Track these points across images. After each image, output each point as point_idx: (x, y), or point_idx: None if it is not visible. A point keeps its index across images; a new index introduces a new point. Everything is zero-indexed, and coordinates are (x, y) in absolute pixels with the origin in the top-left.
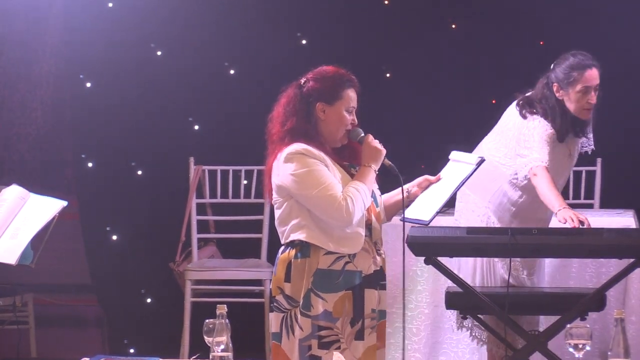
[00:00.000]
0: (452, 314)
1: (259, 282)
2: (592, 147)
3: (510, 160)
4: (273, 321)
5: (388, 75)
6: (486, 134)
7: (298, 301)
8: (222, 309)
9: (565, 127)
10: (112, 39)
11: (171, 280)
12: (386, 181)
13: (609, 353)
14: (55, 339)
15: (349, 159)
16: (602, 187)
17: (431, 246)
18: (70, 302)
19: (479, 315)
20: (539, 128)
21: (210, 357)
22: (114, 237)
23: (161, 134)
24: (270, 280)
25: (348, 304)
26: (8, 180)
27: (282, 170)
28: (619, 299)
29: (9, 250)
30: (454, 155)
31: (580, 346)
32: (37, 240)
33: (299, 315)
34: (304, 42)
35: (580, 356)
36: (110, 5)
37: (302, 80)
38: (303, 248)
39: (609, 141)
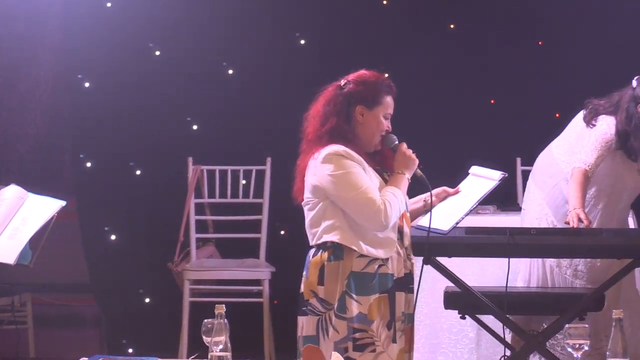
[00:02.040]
0: (451, 314)
1: (257, 282)
2: None
3: (568, 157)
4: (306, 325)
5: (386, 75)
6: (484, 133)
7: (332, 304)
8: (220, 309)
9: None
10: (111, 38)
11: (170, 280)
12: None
13: (607, 353)
14: (53, 338)
15: (379, 164)
16: None
17: (430, 246)
18: (69, 302)
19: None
20: (598, 131)
21: (209, 357)
22: (113, 237)
23: (160, 134)
24: (269, 280)
25: (384, 307)
26: (6, 180)
27: (319, 170)
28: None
29: (7, 250)
30: (475, 170)
31: (578, 346)
32: (36, 240)
33: (333, 318)
34: (302, 42)
35: (579, 356)
36: (109, 5)
37: (342, 82)
38: (336, 250)
39: None
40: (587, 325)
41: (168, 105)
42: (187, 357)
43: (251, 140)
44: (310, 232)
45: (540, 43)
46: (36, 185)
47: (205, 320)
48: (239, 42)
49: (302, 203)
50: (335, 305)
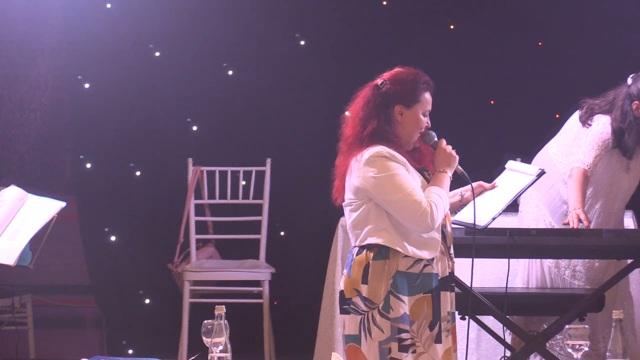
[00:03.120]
0: None
1: (257, 283)
2: None
3: (565, 158)
4: (348, 323)
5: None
6: (484, 135)
7: (376, 303)
8: (220, 310)
9: (636, 144)
10: (111, 40)
11: (170, 281)
12: None
13: (607, 353)
14: (53, 340)
15: (417, 162)
16: None
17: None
18: (69, 303)
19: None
20: (594, 130)
21: (209, 357)
22: (113, 238)
23: (160, 135)
24: (269, 281)
25: (427, 307)
26: (7, 181)
27: (363, 172)
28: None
29: (7, 252)
30: (511, 164)
31: (578, 347)
32: (36, 241)
33: (377, 317)
34: (302, 42)
35: (579, 357)
36: (109, 6)
37: (379, 82)
38: (381, 250)
39: None
40: (587, 326)
41: (168, 107)
42: (187, 358)
43: (251, 141)
44: (353, 233)
45: (540, 44)
46: (36, 186)
47: (205, 321)
48: (239, 43)
49: (343, 204)
50: (381, 305)
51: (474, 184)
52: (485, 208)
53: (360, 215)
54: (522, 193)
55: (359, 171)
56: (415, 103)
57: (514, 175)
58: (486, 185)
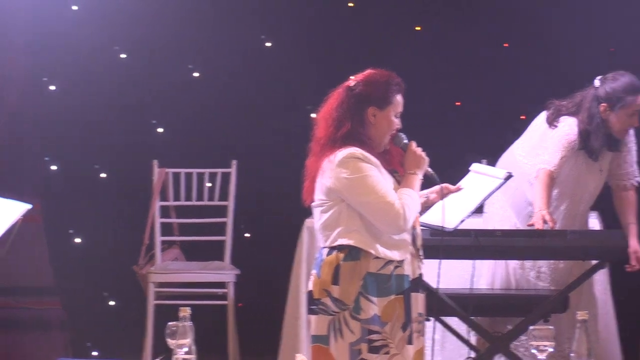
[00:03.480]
0: None
1: (222, 285)
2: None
3: (531, 159)
4: (315, 324)
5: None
6: (450, 136)
7: (347, 304)
8: (185, 312)
9: (602, 146)
10: (76, 41)
11: (134, 283)
12: None
13: (572, 354)
14: (17, 342)
15: (388, 163)
16: None
17: None
18: (33, 305)
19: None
20: (560, 131)
21: (173, 359)
22: (77, 240)
23: (125, 137)
24: (235, 282)
25: (399, 308)
26: None
27: (335, 173)
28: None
29: None
30: (475, 167)
31: (543, 348)
32: (1, 244)
33: (349, 319)
34: (268, 44)
35: (543, 358)
36: (75, 8)
37: (352, 83)
38: (352, 251)
39: None
40: (552, 327)
41: (133, 108)
42: None
43: (216, 143)
44: (323, 234)
45: (506, 45)
46: (1, 188)
47: (170, 323)
48: (204, 45)
49: (313, 205)
50: (352, 306)
51: (440, 186)
52: (452, 211)
53: (332, 217)
54: (489, 196)
55: (331, 172)
56: (388, 105)
57: (480, 178)
58: (451, 187)
